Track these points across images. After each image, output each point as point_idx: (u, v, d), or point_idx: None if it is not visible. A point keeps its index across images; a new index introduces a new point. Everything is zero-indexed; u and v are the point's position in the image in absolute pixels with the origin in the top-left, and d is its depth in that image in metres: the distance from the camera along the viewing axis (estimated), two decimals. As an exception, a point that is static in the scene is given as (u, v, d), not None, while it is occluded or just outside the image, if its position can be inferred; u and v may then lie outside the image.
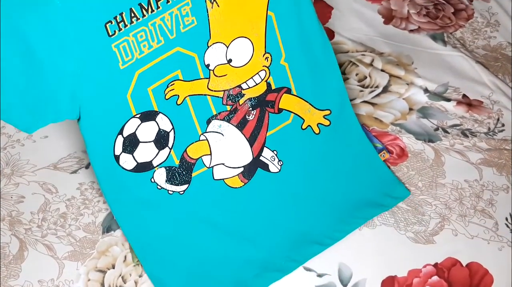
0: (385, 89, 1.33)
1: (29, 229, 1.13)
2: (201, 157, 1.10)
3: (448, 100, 1.30)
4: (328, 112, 1.18)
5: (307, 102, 1.16)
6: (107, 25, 0.95)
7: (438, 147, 1.23)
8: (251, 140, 1.13)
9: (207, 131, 1.10)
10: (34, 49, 0.91)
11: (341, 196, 1.16)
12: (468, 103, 1.30)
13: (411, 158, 1.21)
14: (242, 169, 1.13)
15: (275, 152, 1.15)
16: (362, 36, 1.43)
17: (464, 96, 1.31)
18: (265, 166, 1.15)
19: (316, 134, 1.17)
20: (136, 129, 1.03)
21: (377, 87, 1.33)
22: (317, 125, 1.17)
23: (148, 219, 1.09)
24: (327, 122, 1.18)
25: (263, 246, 1.11)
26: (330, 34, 1.42)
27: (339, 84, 1.19)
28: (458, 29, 1.44)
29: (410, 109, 1.29)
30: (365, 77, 1.35)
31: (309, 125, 1.17)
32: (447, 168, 1.20)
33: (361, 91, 1.32)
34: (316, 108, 1.17)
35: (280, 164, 1.15)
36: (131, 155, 1.04)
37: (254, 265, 1.09)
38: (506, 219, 1.13)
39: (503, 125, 1.26)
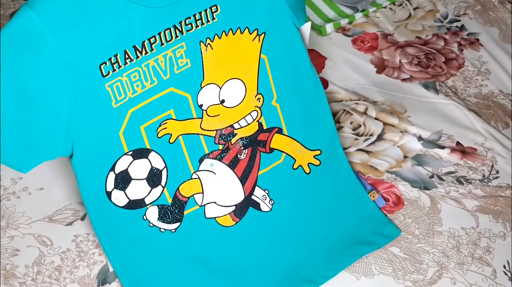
0: (380, 137, 1.34)
1: (24, 282, 1.11)
2: (193, 195, 1.10)
3: (442, 147, 1.31)
4: (318, 152, 1.19)
5: (298, 142, 1.17)
6: (102, 66, 0.96)
7: (434, 194, 1.23)
8: (243, 179, 1.13)
9: (199, 169, 1.10)
10: (29, 89, 0.92)
11: (331, 235, 1.16)
12: (462, 150, 1.31)
13: (407, 206, 1.22)
14: (234, 207, 1.13)
15: (266, 191, 1.15)
16: (356, 85, 1.45)
17: (458, 143, 1.32)
18: (256, 205, 1.15)
19: (307, 173, 1.18)
20: (128, 166, 1.03)
21: (371, 135, 1.34)
22: (308, 164, 1.18)
23: (139, 256, 1.08)
24: (317, 162, 1.19)
25: (254, 285, 1.10)
26: (324, 83, 1.44)
27: (329, 124, 1.21)
28: (450, 78, 1.46)
29: (405, 156, 1.30)
30: (360, 126, 1.36)
31: (300, 165, 1.17)
32: (444, 215, 1.20)
33: (356, 139, 1.33)
34: (307, 148, 1.18)
35: (271, 203, 1.15)
36: (123, 192, 1.04)
37: None
38: (504, 266, 1.12)
39: (497, 172, 1.27)
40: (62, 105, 0.95)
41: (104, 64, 0.96)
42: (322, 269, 1.12)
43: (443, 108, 1.39)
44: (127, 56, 0.97)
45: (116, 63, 0.97)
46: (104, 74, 0.96)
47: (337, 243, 1.15)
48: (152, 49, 0.99)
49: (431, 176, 1.27)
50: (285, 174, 1.17)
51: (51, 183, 1.25)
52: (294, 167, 1.17)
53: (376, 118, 1.37)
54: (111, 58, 0.96)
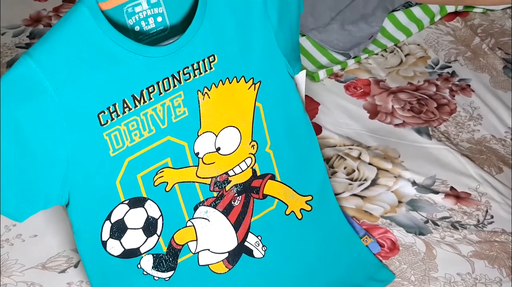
0: (374, 182, 1.34)
1: (16, 331, 1.10)
2: (187, 243, 1.10)
3: (436, 192, 1.31)
4: (310, 197, 1.19)
5: (291, 187, 1.17)
6: (100, 115, 0.96)
7: (429, 240, 1.23)
8: (236, 226, 1.13)
9: (193, 217, 1.10)
10: (27, 138, 0.92)
11: (324, 281, 1.16)
12: (456, 195, 1.31)
13: (403, 252, 1.21)
14: (227, 254, 1.13)
15: (259, 237, 1.15)
16: (349, 130, 1.46)
17: (452, 188, 1.33)
18: (249, 252, 1.14)
19: (299, 219, 1.18)
20: (124, 215, 1.03)
21: (365, 180, 1.35)
22: (300, 210, 1.18)
23: None
24: (308, 207, 1.19)
25: None
26: (318, 129, 1.45)
27: (321, 169, 1.21)
28: (442, 123, 1.48)
29: (399, 201, 1.30)
30: (353, 171, 1.36)
31: (292, 211, 1.18)
32: (439, 261, 1.20)
33: (350, 184, 1.34)
34: (299, 194, 1.18)
35: (264, 249, 1.15)
36: (118, 241, 1.03)
37: None
38: (501, 312, 1.12)
39: (492, 217, 1.27)
40: (60, 154, 0.95)
41: (102, 113, 0.96)
42: None
43: (436, 153, 1.40)
44: (125, 105, 0.97)
45: (115, 112, 0.97)
46: (102, 123, 0.97)
47: None
48: (150, 98, 0.99)
49: (426, 221, 1.27)
50: (277, 220, 1.17)
51: (45, 230, 1.24)
52: (287, 213, 1.17)
53: (370, 163, 1.38)
54: (109, 107, 0.96)
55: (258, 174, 1.14)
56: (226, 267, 1.13)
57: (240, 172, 1.12)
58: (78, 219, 1.00)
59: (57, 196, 0.98)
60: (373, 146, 1.42)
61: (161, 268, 1.07)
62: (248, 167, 1.12)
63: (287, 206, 1.17)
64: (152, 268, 1.07)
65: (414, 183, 1.33)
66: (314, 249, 1.18)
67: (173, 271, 1.09)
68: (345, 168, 1.37)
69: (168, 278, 1.08)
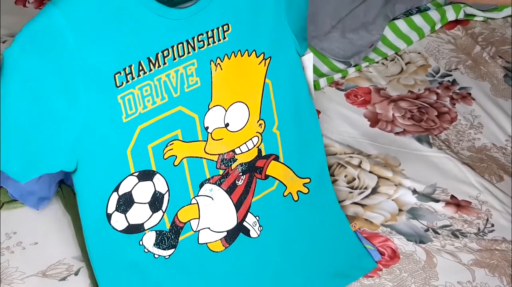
0: (374, 191, 1.34)
1: None
2: (189, 221, 1.09)
3: (437, 201, 1.31)
4: (308, 180, 1.19)
5: (291, 169, 1.17)
6: (116, 75, 0.94)
7: (430, 248, 1.23)
8: (238, 205, 1.13)
9: (198, 194, 1.09)
10: (41, 93, 0.89)
11: (313, 264, 1.17)
12: (456, 203, 1.31)
13: (403, 260, 1.21)
14: (225, 233, 1.13)
15: (257, 217, 1.15)
16: (350, 138, 1.46)
17: (452, 196, 1.33)
18: (246, 231, 1.15)
19: (295, 201, 1.18)
20: (133, 188, 1.01)
21: (366, 188, 1.35)
22: (297, 192, 1.19)
23: (131, 282, 1.06)
24: (306, 190, 1.19)
25: None
26: (318, 137, 1.45)
27: (321, 153, 1.22)
28: (443, 131, 1.48)
29: (400, 210, 1.30)
30: (354, 179, 1.36)
31: (290, 192, 1.18)
32: (440, 269, 1.19)
33: (350, 192, 1.34)
34: (298, 176, 1.18)
35: (260, 229, 1.15)
36: (123, 215, 1.01)
37: None
38: (502, 321, 1.12)
39: (492, 225, 1.27)
40: (73, 115, 0.92)
41: (118, 74, 0.94)
42: None
43: (436, 162, 1.40)
44: (140, 68, 0.95)
45: (130, 74, 0.95)
46: (118, 85, 0.94)
47: (317, 272, 1.16)
48: (165, 63, 0.98)
49: (426, 229, 1.27)
50: (276, 201, 1.17)
51: (45, 237, 1.24)
52: (284, 194, 1.18)
53: (370, 171, 1.38)
54: (125, 68, 0.94)
55: (263, 154, 1.13)
56: (223, 245, 1.13)
57: (247, 151, 1.11)
58: (85, 188, 0.97)
59: (65, 160, 0.94)
60: (374, 154, 1.42)
61: (163, 246, 1.06)
62: (254, 146, 1.12)
63: (286, 187, 1.17)
64: (154, 245, 1.05)
65: (414, 192, 1.33)
66: (306, 231, 1.19)
67: (173, 249, 1.08)
68: (345, 176, 1.37)
69: (168, 256, 1.07)
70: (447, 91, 1.58)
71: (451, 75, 1.63)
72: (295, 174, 1.18)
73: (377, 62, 1.67)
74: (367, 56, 1.66)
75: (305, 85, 1.17)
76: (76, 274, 1.19)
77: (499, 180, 1.37)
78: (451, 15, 1.76)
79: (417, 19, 1.74)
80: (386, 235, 1.25)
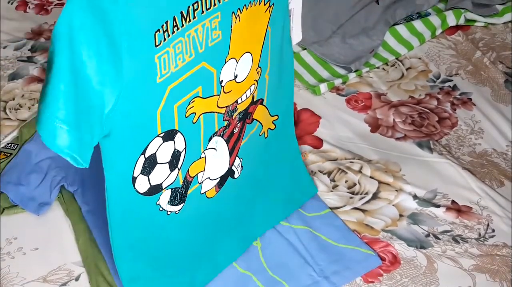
0: (375, 196, 1.34)
1: None
2: (197, 174, 1.09)
3: (438, 206, 1.31)
4: (276, 117, 1.21)
5: (267, 109, 1.19)
6: (156, 33, 0.90)
7: (430, 253, 1.23)
8: (231, 152, 1.14)
9: (207, 148, 1.09)
10: (83, 55, 0.83)
11: (271, 192, 1.25)
12: (457, 209, 1.31)
13: (404, 265, 1.21)
14: (218, 179, 1.14)
15: (241, 159, 1.17)
16: (350, 144, 1.46)
17: (453, 202, 1.33)
18: (232, 174, 1.16)
19: (265, 138, 1.21)
20: (157, 149, 0.99)
21: (366, 193, 1.35)
22: (267, 129, 1.21)
23: (145, 241, 1.07)
24: (273, 127, 1.22)
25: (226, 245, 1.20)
26: (319, 142, 1.45)
27: (291, 91, 1.24)
28: (443, 137, 1.48)
29: (401, 215, 1.30)
30: (355, 184, 1.36)
31: (264, 131, 1.21)
32: (440, 275, 1.19)
33: (351, 198, 1.34)
34: (270, 114, 1.20)
35: (240, 170, 1.17)
36: (147, 178, 1.00)
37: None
38: (503, 326, 1.12)
39: (493, 230, 1.27)
40: (115, 77, 0.86)
41: (158, 32, 0.89)
42: (261, 224, 1.25)
43: (437, 167, 1.40)
44: (175, 24, 0.92)
45: (166, 32, 0.91)
46: (157, 44, 0.90)
47: (274, 199, 1.26)
48: (194, 17, 0.94)
49: (427, 235, 1.26)
50: (255, 142, 1.19)
51: (46, 243, 1.24)
52: (260, 133, 1.20)
53: (371, 177, 1.38)
54: (163, 25, 0.90)
55: (255, 99, 1.14)
56: (215, 191, 1.14)
57: (245, 99, 1.11)
58: (114, 152, 0.93)
59: (100, 126, 0.89)
60: (374, 160, 1.42)
61: (175, 202, 1.06)
62: (251, 94, 1.12)
63: (262, 127, 1.19)
64: (168, 202, 1.05)
65: (415, 197, 1.33)
66: (268, 163, 1.24)
67: (183, 204, 1.08)
68: (346, 181, 1.37)
69: (178, 211, 1.08)
70: (447, 97, 1.58)
71: (451, 81, 1.63)
72: (269, 113, 1.20)
73: (378, 68, 1.67)
74: (368, 61, 1.67)
75: (287, 26, 1.17)
76: (76, 279, 1.19)
77: (499, 186, 1.37)
78: (451, 21, 1.76)
79: (417, 24, 1.75)
80: (387, 240, 1.25)
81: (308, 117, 1.51)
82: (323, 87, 1.58)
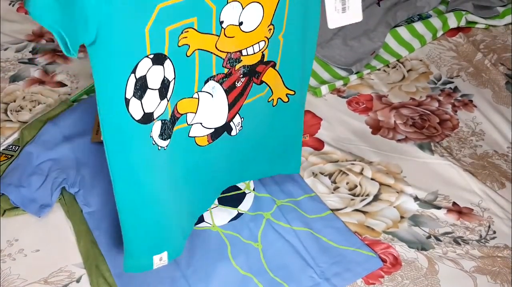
0: (376, 198, 1.34)
1: None
2: (186, 113, 1.09)
3: (439, 208, 1.31)
4: (292, 92, 1.23)
5: (281, 78, 1.20)
6: None
7: (431, 255, 1.23)
8: (231, 106, 1.14)
9: (202, 90, 1.09)
10: None
11: (260, 158, 1.29)
12: (458, 210, 1.31)
13: (405, 267, 1.21)
14: (213, 130, 1.15)
15: (242, 119, 1.18)
16: (351, 145, 1.46)
17: (454, 203, 1.33)
18: (229, 130, 1.18)
19: (273, 106, 1.22)
20: (147, 71, 0.98)
21: (367, 195, 1.35)
22: (278, 99, 1.22)
23: (139, 175, 1.06)
24: (286, 99, 1.23)
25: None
26: (320, 144, 1.45)
27: (309, 68, 1.25)
28: (444, 139, 1.48)
29: (402, 217, 1.30)
30: (356, 186, 1.36)
31: (272, 99, 1.22)
32: (441, 276, 1.19)
33: (352, 199, 1.34)
34: (285, 85, 1.21)
35: (239, 129, 1.19)
36: (139, 102, 0.99)
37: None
38: (504, 328, 1.12)
39: (494, 232, 1.27)
40: None
41: None
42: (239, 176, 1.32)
43: (438, 169, 1.40)
44: None
45: None
46: None
47: (261, 162, 1.30)
48: None
49: (428, 236, 1.26)
50: (260, 105, 1.20)
51: (47, 244, 1.24)
52: (269, 100, 1.21)
53: (372, 179, 1.38)
54: None
55: (265, 59, 1.14)
56: (207, 141, 1.16)
57: (252, 54, 1.11)
58: (103, 68, 0.93)
59: (86, 24, 0.88)
60: (376, 162, 1.42)
61: (164, 136, 1.06)
62: (260, 50, 1.11)
63: (272, 94, 1.21)
64: (158, 135, 1.05)
65: (416, 199, 1.33)
66: (272, 129, 1.26)
67: (169, 139, 1.08)
68: (347, 183, 1.37)
69: (166, 147, 1.07)
70: (448, 98, 1.58)
71: (452, 82, 1.63)
72: (283, 83, 1.21)
73: (379, 69, 1.67)
74: (369, 63, 1.67)
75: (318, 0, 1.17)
76: (77, 281, 1.19)
77: (501, 187, 1.37)
78: (452, 22, 1.76)
79: (418, 26, 1.75)
80: (388, 242, 1.25)
81: (309, 119, 1.51)
82: (324, 89, 1.58)
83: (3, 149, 1.40)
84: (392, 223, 1.29)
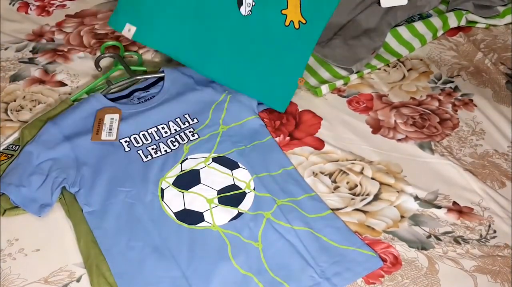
0: (376, 197, 1.34)
1: None
2: None
3: (439, 207, 1.31)
4: (304, 21, 1.41)
5: (300, 4, 1.39)
6: None
7: (432, 254, 1.23)
8: None
9: None
10: None
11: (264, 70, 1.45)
12: (458, 210, 1.31)
13: (405, 266, 1.21)
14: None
15: (254, 3, 1.39)
16: (352, 145, 1.46)
17: (455, 203, 1.33)
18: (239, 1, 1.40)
19: (284, 25, 1.41)
20: None
21: (368, 195, 1.35)
22: (290, 21, 1.40)
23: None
24: (297, 26, 1.41)
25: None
26: (320, 144, 1.45)
27: (332, 7, 1.46)
28: (445, 138, 1.48)
29: (402, 216, 1.30)
30: (356, 186, 1.36)
31: (286, 16, 1.38)
32: (442, 276, 1.19)
33: (353, 199, 1.33)
34: (301, 13, 1.38)
35: (248, 12, 1.40)
36: None
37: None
38: (504, 328, 1.12)
39: (495, 231, 1.27)
40: None
41: None
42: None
43: (439, 168, 1.40)
44: None
45: None
46: None
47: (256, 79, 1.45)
48: None
49: (428, 236, 1.26)
50: (272, 14, 1.41)
51: (47, 244, 1.24)
52: (282, 12, 1.41)
53: (372, 178, 1.38)
54: None
55: None
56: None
57: None
58: None
59: None
60: (376, 161, 1.42)
61: None
62: None
63: (287, 16, 1.36)
64: None
65: (416, 198, 1.33)
66: (272, 51, 1.42)
67: None
68: (347, 183, 1.37)
69: None
70: (449, 98, 1.58)
71: (453, 82, 1.63)
72: (300, 9, 1.38)
73: (379, 69, 1.67)
74: (369, 62, 1.67)
75: None
76: (78, 280, 1.19)
77: (501, 186, 1.36)
78: (453, 22, 1.76)
79: (419, 26, 1.75)
80: (388, 241, 1.25)
81: (309, 119, 1.51)
82: (324, 88, 1.58)
83: (3, 149, 1.40)
84: (392, 223, 1.29)
